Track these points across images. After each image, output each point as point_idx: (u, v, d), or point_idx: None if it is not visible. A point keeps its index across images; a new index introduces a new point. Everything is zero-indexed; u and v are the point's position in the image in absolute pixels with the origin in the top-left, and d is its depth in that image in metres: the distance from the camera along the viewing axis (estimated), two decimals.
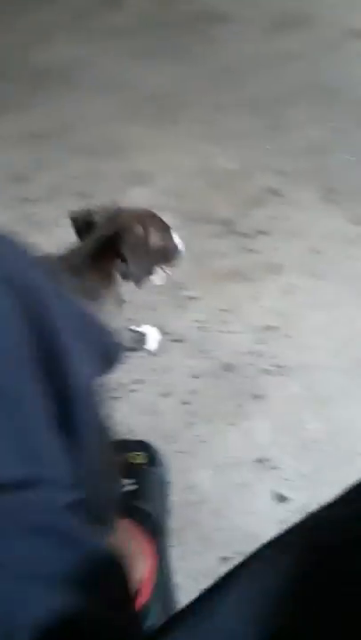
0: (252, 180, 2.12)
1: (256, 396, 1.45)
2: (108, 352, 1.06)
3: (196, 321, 1.63)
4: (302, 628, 0.43)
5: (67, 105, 2.61)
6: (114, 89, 2.69)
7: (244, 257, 1.81)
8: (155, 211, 1.46)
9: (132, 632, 0.63)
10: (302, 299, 1.68)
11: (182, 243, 1.49)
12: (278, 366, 1.51)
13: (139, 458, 1.22)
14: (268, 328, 1.61)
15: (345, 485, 1.23)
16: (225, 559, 1.14)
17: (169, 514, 1.20)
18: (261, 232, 1.89)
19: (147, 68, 2.81)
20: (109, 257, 1.35)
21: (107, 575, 0.61)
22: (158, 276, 1.50)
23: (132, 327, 1.54)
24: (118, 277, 1.40)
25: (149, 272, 1.45)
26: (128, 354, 1.55)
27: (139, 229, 1.35)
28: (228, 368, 1.51)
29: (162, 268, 1.49)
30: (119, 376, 1.49)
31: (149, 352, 1.55)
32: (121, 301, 1.43)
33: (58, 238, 1.78)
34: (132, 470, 1.18)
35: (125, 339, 1.51)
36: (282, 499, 1.25)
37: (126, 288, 1.43)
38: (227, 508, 1.23)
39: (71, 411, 0.63)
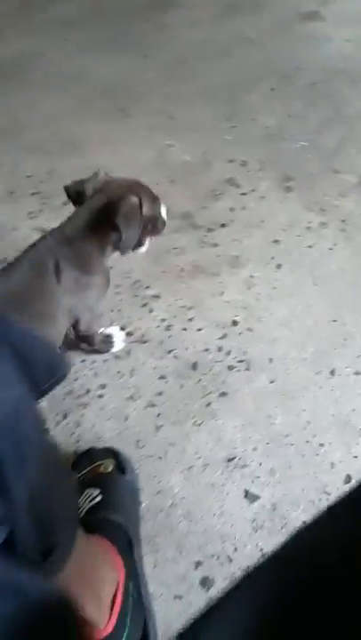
0: (210, 171, 2.11)
1: (223, 394, 1.45)
2: (50, 369, 1.05)
3: (161, 320, 1.62)
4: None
5: (18, 102, 2.56)
6: (66, 83, 2.64)
7: (205, 251, 1.80)
8: None
9: None
10: (264, 291, 1.68)
11: (166, 213, 1.48)
12: (243, 361, 1.52)
13: (107, 466, 1.21)
14: (232, 323, 1.61)
15: (313, 479, 1.25)
16: (199, 563, 1.15)
17: (140, 521, 1.20)
18: (221, 224, 1.89)
19: (98, 61, 2.76)
20: (104, 227, 1.33)
21: (47, 622, 0.60)
22: (145, 246, 1.48)
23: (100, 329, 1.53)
24: (109, 248, 1.39)
25: (141, 242, 1.44)
26: (94, 358, 1.54)
27: (133, 199, 1.34)
28: (193, 367, 1.51)
29: (149, 238, 1.48)
30: (85, 382, 1.49)
31: (115, 354, 1.54)
32: (108, 274, 1.42)
33: (15, 243, 1.77)
34: (100, 480, 1.17)
35: (96, 340, 1.50)
36: (253, 497, 1.26)
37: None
38: (199, 510, 1.24)
39: None
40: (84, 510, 1.08)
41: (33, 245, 1.36)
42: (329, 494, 1.27)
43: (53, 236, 1.34)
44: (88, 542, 0.92)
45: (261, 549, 1.19)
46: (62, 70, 2.73)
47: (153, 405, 1.43)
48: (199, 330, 1.59)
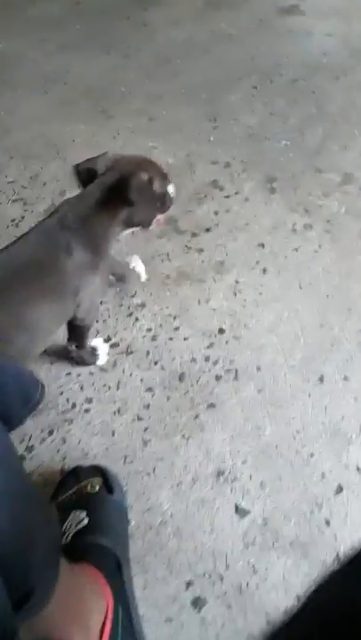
0: (194, 174, 2.08)
1: (211, 405, 1.43)
2: (24, 396, 1.03)
3: (147, 330, 1.60)
4: None
5: None
6: (47, 84, 2.60)
7: (190, 257, 1.78)
8: None
9: None
10: (250, 297, 1.67)
11: (174, 190, 1.47)
12: (231, 371, 1.50)
13: (94, 485, 1.19)
14: (219, 331, 1.59)
15: (304, 491, 1.23)
16: (190, 583, 1.14)
17: (129, 541, 1.18)
18: (206, 229, 1.86)
19: (79, 60, 2.72)
20: (115, 202, 1.33)
21: None
22: (152, 225, 1.47)
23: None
24: (120, 226, 1.38)
25: (153, 217, 1.44)
26: (79, 370, 1.52)
27: (144, 175, 1.33)
28: (180, 378, 1.49)
29: (157, 218, 1.46)
30: (71, 396, 1.46)
31: (101, 367, 1.52)
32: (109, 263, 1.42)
33: None
34: (86, 501, 1.16)
35: (86, 340, 1.48)
36: (244, 512, 1.25)
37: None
38: (189, 527, 1.22)
39: None
40: (70, 535, 1.06)
41: (43, 221, 1.35)
42: (320, 506, 1.26)
43: (65, 212, 1.32)
44: (73, 574, 0.90)
45: (253, 566, 1.17)
46: (43, 71, 2.69)
47: (140, 419, 1.41)
48: (185, 339, 1.57)
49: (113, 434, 1.39)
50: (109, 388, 1.48)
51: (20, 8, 3.23)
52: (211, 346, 1.56)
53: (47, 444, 1.37)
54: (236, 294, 1.67)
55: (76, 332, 1.45)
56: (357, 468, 1.31)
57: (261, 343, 1.56)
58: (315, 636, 0.48)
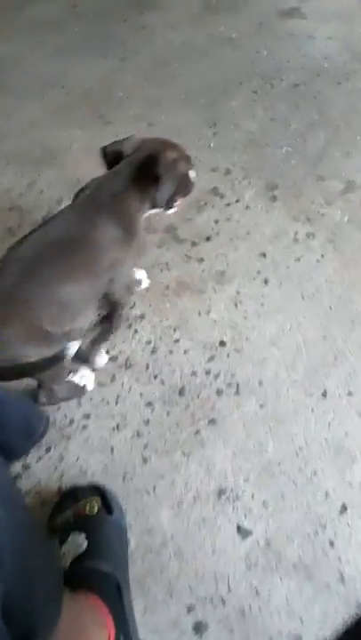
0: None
1: (212, 420, 1.40)
2: (28, 432, 1.00)
3: (146, 342, 1.57)
4: None
5: None
6: (44, 89, 2.56)
7: (190, 267, 1.75)
8: None
9: None
10: (251, 308, 1.64)
11: (195, 175, 1.51)
12: (232, 385, 1.47)
13: (92, 506, 1.16)
14: (220, 343, 1.56)
15: (307, 510, 1.20)
16: (191, 607, 1.11)
17: (128, 563, 1.15)
18: (206, 238, 1.83)
19: (77, 64, 2.68)
20: (145, 179, 1.37)
21: None
22: (175, 208, 1.51)
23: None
24: (148, 203, 1.41)
25: (178, 195, 1.47)
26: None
27: (171, 153, 1.40)
28: (181, 392, 1.46)
29: (179, 199, 1.50)
30: (68, 411, 1.43)
31: (99, 381, 1.49)
32: (144, 238, 1.48)
33: None
34: (85, 523, 1.13)
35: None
36: (246, 533, 1.22)
37: None
38: (190, 548, 1.19)
39: None
40: (69, 560, 1.03)
41: (76, 197, 1.41)
42: (324, 527, 1.23)
43: (95, 190, 1.39)
44: (74, 604, 0.88)
45: (256, 588, 1.15)
46: (41, 74, 2.65)
47: (140, 435, 1.38)
48: (186, 352, 1.54)
49: (112, 451, 1.36)
50: (108, 402, 1.45)
51: (17, 9, 3.19)
52: (212, 359, 1.53)
53: (44, 461, 1.34)
54: (237, 305, 1.64)
55: (113, 309, 1.49)
56: None
57: (263, 356, 1.53)
58: None
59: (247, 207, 1.92)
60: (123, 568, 1.10)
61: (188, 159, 1.46)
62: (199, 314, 1.63)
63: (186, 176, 1.46)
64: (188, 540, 1.21)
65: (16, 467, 1.32)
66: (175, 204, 1.48)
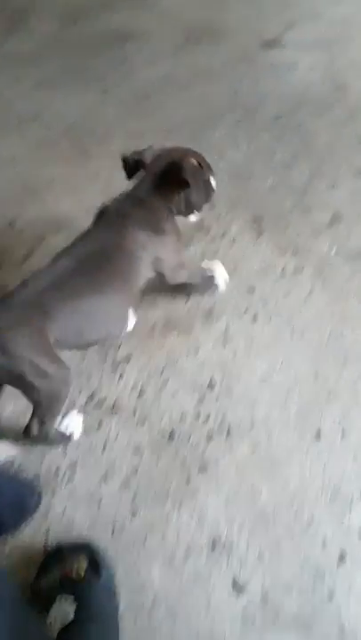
0: None
1: (203, 466, 1.35)
2: (21, 512, 0.96)
3: (133, 385, 1.52)
4: None
5: None
6: (24, 125, 2.54)
7: (177, 304, 1.71)
8: None
9: None
10: (241, 346, 1.60)
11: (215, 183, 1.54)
12: (223, 428, 1.42)
13: (80, 567, 1.11)
14: (209, 384, 1.52)
15: (305, 560, 1.14)
16: None
17: (119, 627, 1.09)
18: None
19: (57, 98, 2.67)
20: (170, 186, 1.42)
21: None
22: (195, 214, 1.55)
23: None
24: (174, 209, 1.46)
25: (204, 201, 1.52)
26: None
27: (193, 160, 1.44)
28: (170, 437, 1.41)
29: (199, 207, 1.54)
30: (53, 461, 1.38)
31: (85, 427, 1.44)
32: (179, 231, 1.51)
33: None
34: (72, 587, 1.07)
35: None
36: (241, 588, 1.16)
37: None
38: (183, 607, 1.14)
39: None
40: (57, 629, 0.98)
41: (105, 210, 1.46)
42: (323, 577, 1.18)
43: (124, 200, 1.45)
44: None
45: None
46: (20, 110, 2.63)
47: (128, 485, 1.33)
48: (174, 394, 1.50)
49: (99, 503, 1.30)
50: (95, 450, 1.40)
51: None
52: (201, 401, 1.48)
53: None
54: (225, 344, 1.61)
55: (176, 288, 1.61)
56: (360, 534, 1.24)
57: (254, 396, 1.49)
58: None
59: (233, 241, 1.90)
60: (113, 633, 1.04)
61: (208, 166, 1.50)
62: (187, 353, 1.59)
63: (208, 182, 1.49)
64: (181, 598, 1.15)
65: None
66: (201, 208, 1.53)
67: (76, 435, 1.40)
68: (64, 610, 1.02)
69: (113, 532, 1.25)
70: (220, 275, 1.68)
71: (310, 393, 1.48)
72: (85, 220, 2.00)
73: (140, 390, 1.51)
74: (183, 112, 2.49)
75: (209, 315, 1.68)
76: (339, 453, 1.37)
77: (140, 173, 1.47)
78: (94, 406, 1.48)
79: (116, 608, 1.10)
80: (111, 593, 1.10)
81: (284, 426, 1.42)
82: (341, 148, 2.20)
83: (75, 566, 1.10)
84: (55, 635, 0.98)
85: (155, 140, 2.34)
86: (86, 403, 1.49)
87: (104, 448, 1.40)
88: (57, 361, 1.26)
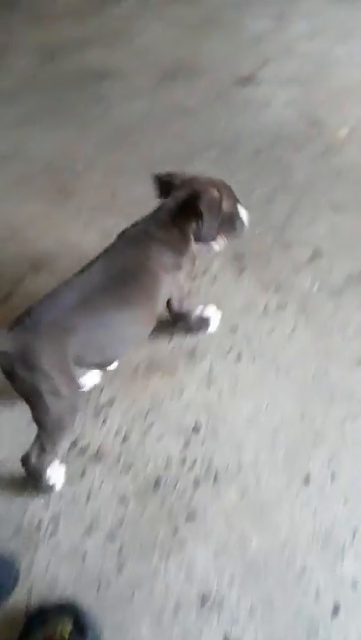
0: None
1: (190, 515, 1.31)
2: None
3: (116, 430, 1.49)
4: None
5: None
6: (3, 161, 2.53)
7: (159, 344, 1.69)
8: None
9: None
10: (226, 386, 1.57)
11: (247, 217, 1.58)
12: (210, 473, 1.39)
13: (64, 630, 1.05)
14: (194, 427, 1.48)
15: (298, 613, 1.10)
16: None
17: None
18: None
19: (36, 135, 2.66)
20: (188, 213, 1.47)
21: None
22: (219, 244, 1.60)
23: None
24: (191, 236, 1.50)
25: (218, 233, 1.55)
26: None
27: (214, 192, 1.48)
28: (156, 484, 1.37)
29: (224, 237, 1.59)
30: (35, 513, 1.33)
31: (68, 475, 1.39)
32: (195, 256, 1.55)
33: None
34: None
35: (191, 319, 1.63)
36: None
37: None
38: None
39: None
40: None
41: (127, 230, 1.52)
42: (317, 630, 1.14)
43: (148, 222, 1.50)
44: None
45: None
46: None
47: (113, 538, 1.28)
48: (159, 439, 1.46)
49: (83, 558, 1.25)
50: (78, 501, 1.35)
51: None
52: (187, 445, 1.45)
53: None
54: (210, 385, 1.58)
55: (179, 317, 1.63)
56: (353, 583, 1.20)
57: (240, 439, 1.46)
58: None
59: (215, 278, 1.88)
60: None
61: (235, 200, 1.56)
62: (172, 396, 1.56)
63: (230, 215, 1.54)
64: None
65: None
66: (215, 239, 1.56)
67: (59, 485, 1.35)
68: None
69: (98, 589, 1.20)
70: (216, 318, 1.70)
71: (298, 434, 1.46)
72: (64, 260, 1.98)
73: (125, 435, 1.47)
74: (162, 148, 2.49)
75: (192, 355, 1.65)
76: (329, 497, 1.34)
77: (169, 198, 1.53)
78: (77, 453, 1.44)
79: None
80: None
81: (273, 469, 1.39)
82: (319, 183, 2.21)
83: (58, 628, 1.05)
84: None
85: (133, 176, 2.35)
86: (69, 449, 1.44)
87: (88, 498, 1.35)
88: (73, 382, 1.29)
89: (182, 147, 2.48)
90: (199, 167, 2.36)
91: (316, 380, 1.57)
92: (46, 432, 1.28)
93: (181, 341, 1.69)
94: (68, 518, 1.32)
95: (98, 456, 1.43)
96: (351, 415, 1.48)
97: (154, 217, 1.51)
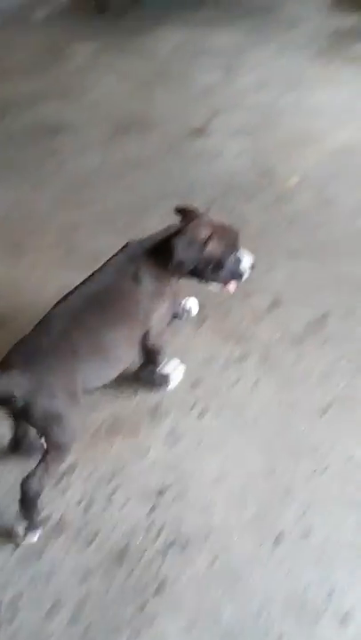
0: None
1: (159, 588, 1.25)
2: None
3: (78, 499, 1.42)
4: None
5: None
6: None
7: (122, 402, 1.64)
8: None
9: None
10: (191, 445, 1.53)
11: (249, 268, 1.58)
12: (178, 539, 1.33)
13: None
14: (160, 490, 1.43)
15: None
16: None
17: None
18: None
19: None
20: (167, 246, 1.46)
21: None
22: (215, 287, 1.61)
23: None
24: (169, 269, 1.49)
25: (210, 279, 1.56)
26: (2, 559, 1.31)
27: (202, 232, 1.49)
28: (121, 556, 1.31)
29: (222, 284, 1.59)
30: None
31: (28, 552, 1.32)
32: (176, 295, 1.61)
33: None
34: None
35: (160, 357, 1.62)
36: None
37: None
38: None
39: None
40: None
41: (114, 256, 1.54)
42: None
43: (135, 247, 1.53)
44: None
45: None
46: None
47: (77, 619, 1.21)
48: (123, 505, 1.40)
49: None
50: (38, 581, 1.27)
51: None
52: (153, 509, 1.39)
53: None
54: (175, 443, 1.54)
55: (151, 354, 1.60)
56: None
57: (209, 499, 1.41)
58: None
59: (176, 330, 1.85)
60: None
61: (232, 247, 1.55)
62: (136, 457, 1.51)
63: (219, 259, 1.51)
64: None
65: None
66: (214, 282, 1.58)
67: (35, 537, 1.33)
68: None
69: None
70: (179, 372, 1.68)
71: (266, 491, 1.42)
72: (21, 321, 1.92)
73: (87, 503, 1.41)
74: (116, 201, 2.49)
75: (155, 412, 1.61)
76: (301, 559, 1.29)
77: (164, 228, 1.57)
78: (39, 526, 1.36)
79: None
80: None
81: (243, 530, 1.34)
82: (273, 231, 2.23)
83: None
84: None
85: (89, 230, 2.34)
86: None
87: (49, 576, 1.28)
88: (79, 405, 1.35)
89: (136, 199, 2.48)
90: (155, 218, 2.34)
91: (282, 434, 1.54)
92: (59, 451, 1.33)
93: (144, 398, 1.65)
94: (29, 599, 1.24)
95: (59, 527, 1.37)
96: (319, 468, 1.45)
97: (142, 242, 1.55)
